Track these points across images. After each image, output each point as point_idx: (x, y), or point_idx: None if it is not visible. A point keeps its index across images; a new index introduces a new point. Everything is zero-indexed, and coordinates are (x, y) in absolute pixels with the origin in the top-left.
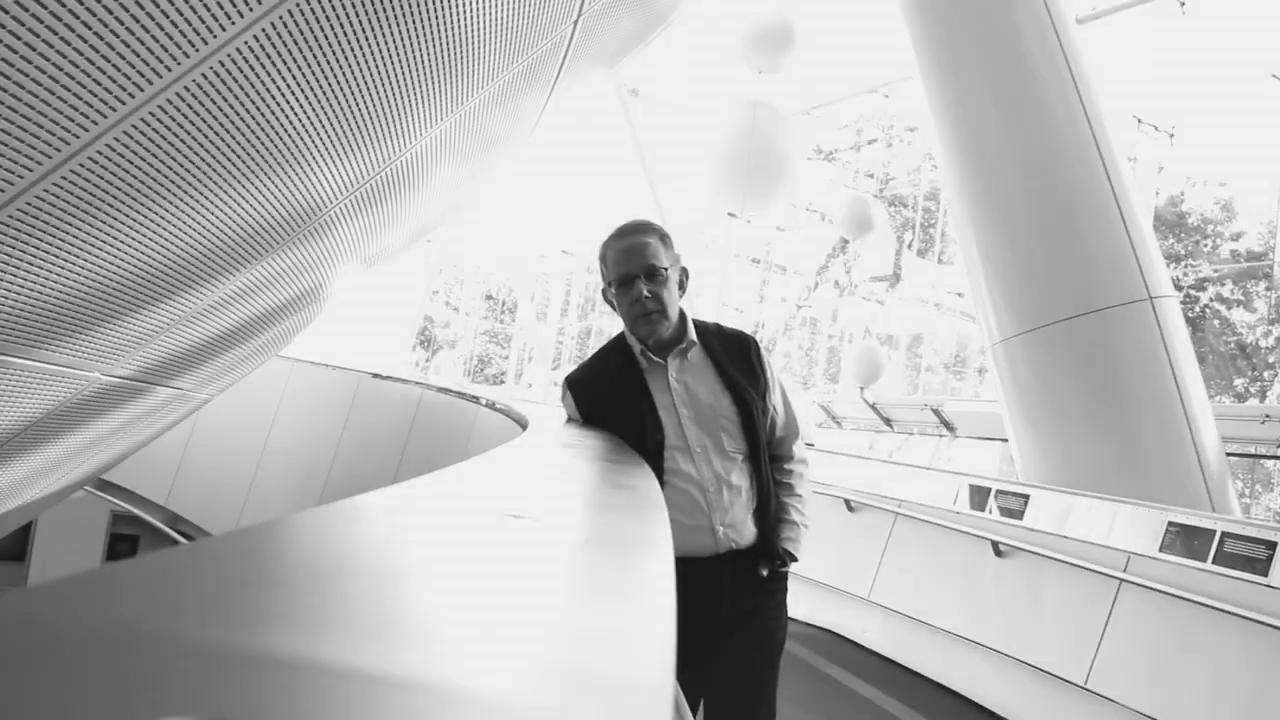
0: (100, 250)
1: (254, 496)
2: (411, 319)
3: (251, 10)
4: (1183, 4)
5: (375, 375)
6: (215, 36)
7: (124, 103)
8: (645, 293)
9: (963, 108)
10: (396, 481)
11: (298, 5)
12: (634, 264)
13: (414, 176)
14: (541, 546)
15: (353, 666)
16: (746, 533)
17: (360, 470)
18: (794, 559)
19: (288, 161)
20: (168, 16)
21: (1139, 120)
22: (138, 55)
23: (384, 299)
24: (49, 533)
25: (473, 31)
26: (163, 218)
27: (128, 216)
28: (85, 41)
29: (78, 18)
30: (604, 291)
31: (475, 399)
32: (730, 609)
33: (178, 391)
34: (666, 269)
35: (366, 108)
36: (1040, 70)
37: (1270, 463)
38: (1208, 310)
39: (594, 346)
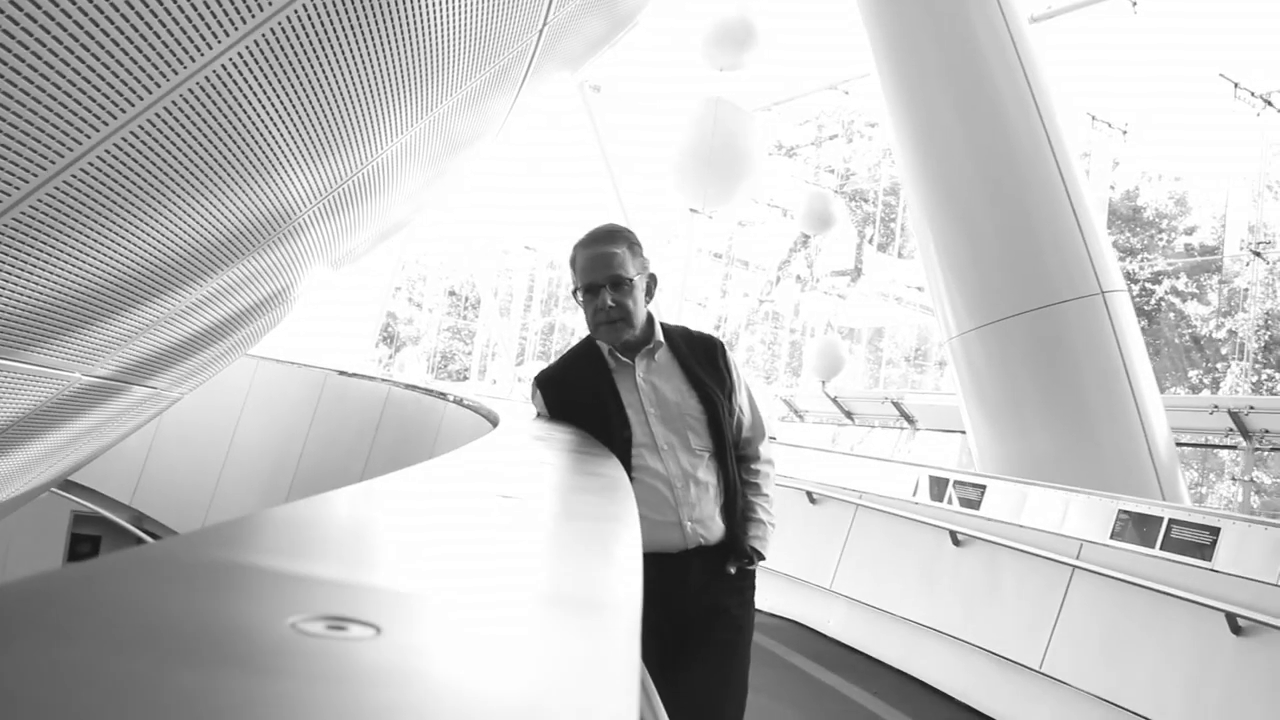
0: (86, 257)
1: (220, 495)
2: (375, 316)
3: (236, 30)
4: (1135, 4)
5: (341, 373)
6: (202, 55)
7: (115, 117)
8: (609, 302)
9: (919, 106)
10: (365, 478)
11: (278, 23)
12: (600, 273)
13: (383, 180)
14: (531, 518)
15: (397, 590)
16: (714, 528)
17: (327, 467)
18: (761, 557)
19: (262, 170)
20: (159, 36)
21: (1093, 117)
22: (129, 73)
23: (347, 296)
24: (7, 533)
25: (441, 41)
26: (145, 226)
27: (113, 225)
28: (83, 62)
29: (75, 41)
30: (573, 293)
31: (442, 395)
32: (699, 605)
33: (152, 390)
34: (632, 278)
35: (338, 117)
36: (995, 69)
37: (1222, 452)
38: (1163, 303)
39: (558, 342)
